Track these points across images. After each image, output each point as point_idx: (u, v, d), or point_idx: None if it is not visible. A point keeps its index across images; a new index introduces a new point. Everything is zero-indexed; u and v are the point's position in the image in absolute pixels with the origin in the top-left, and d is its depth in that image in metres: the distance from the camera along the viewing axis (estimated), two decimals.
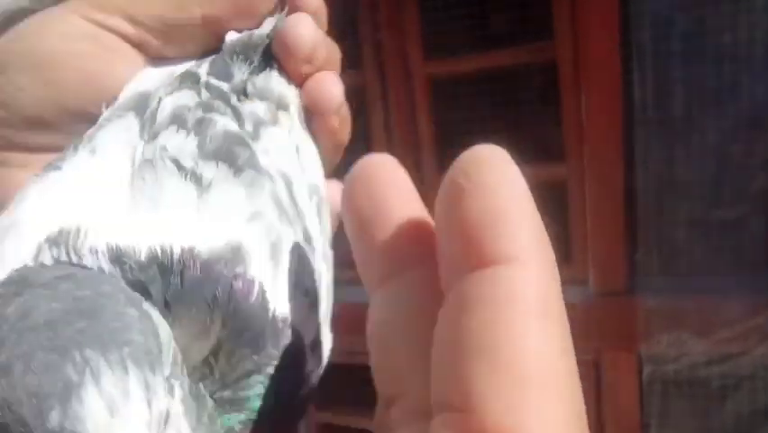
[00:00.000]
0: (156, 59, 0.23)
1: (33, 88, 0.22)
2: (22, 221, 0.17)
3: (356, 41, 1.00)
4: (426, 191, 0.16)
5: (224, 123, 0.20)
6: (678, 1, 0.84)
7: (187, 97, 0.20)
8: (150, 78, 0.22)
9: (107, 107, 0.21)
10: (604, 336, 0.92)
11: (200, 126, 0.19)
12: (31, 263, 0.15)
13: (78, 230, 0.16)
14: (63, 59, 0.22)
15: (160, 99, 0.20)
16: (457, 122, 1.01)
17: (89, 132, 0.20)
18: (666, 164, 0.88)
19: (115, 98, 0.22)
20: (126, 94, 0.22)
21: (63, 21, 0.22)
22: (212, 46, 0.23)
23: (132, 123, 0.20)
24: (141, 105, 0.21)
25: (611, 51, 0.85)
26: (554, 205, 0.98)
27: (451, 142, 1.00)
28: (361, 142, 1.01)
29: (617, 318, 0.91)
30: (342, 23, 1.03)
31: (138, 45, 0.23)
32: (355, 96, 0.98)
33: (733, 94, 0.85)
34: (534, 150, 0.99)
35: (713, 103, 0.86)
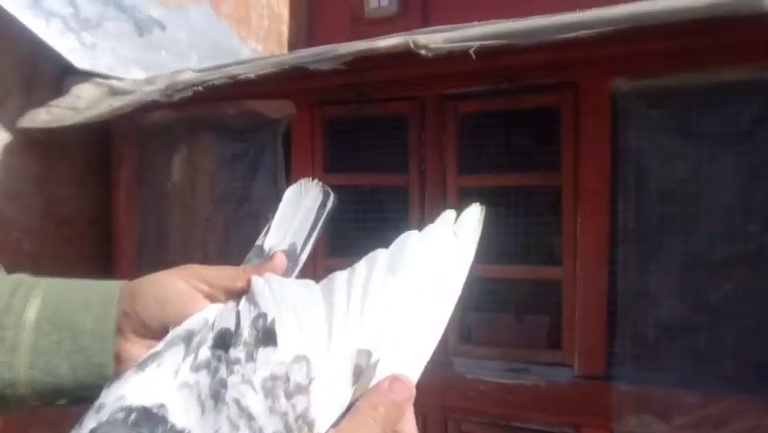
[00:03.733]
0: (215, 301, 0.41)
1: (153, 308, 0.41)
2: (127, 396, 0.32)
3: (405, 153, 1.24)
4: None
5: (222, 372, 0.33)
6: (655, 153, 1.07)
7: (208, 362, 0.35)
8: (209, 311, 0.39)
9: (173, 327, 0.38)
10: (583, 413, 1.08)
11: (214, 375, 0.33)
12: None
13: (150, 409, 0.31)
14: (168, 298, 0.41)
15: (200, 341, 0.36)
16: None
17: (158, 347, 0.36)
18: (641, 276, 1.07)
19: (179, 323, 0.38)
20: (185, 324, 0.38)
21: (172, 280, 0.42)
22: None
23: (180, 350, 0.35)
24: (188, 338, 0.36)
25: (602, 185, 1.07)
26: (551, 299, 1.18)
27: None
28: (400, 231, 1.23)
29: (595, 399, 1.06)
30: (397, 138, 1.29)
31: (208, 296, 0.42)
32: (401, 193, 1.23)
33: (695, 225, 1.05)
34: (537, 253, 1.20)
35: (679, 231, 1.07)
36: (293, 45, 2.16)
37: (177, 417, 0.31)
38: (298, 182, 0.48)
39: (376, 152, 1.32)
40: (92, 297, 0.41)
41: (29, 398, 0.39)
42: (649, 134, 1.07)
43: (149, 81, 1.29)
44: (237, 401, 0.32)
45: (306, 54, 1.09)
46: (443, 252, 0.41)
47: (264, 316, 0.36)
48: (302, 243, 0.46)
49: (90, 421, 0.31)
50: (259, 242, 0.45)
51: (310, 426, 0.32)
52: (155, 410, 0.31)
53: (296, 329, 0.36)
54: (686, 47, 0.99)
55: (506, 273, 1.18)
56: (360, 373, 0.35)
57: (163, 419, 0.31)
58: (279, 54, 1.27)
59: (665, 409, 1.03)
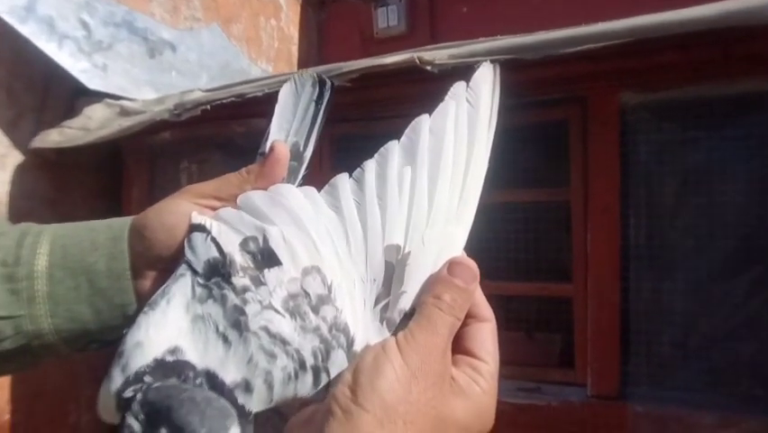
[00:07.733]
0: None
1: (162, 237, 0.37)
2: (144, 342, 0.30)
3: None
4: None
5: (232, 300, 0.31)
6: (666, 168, 1.06)
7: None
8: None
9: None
10: None
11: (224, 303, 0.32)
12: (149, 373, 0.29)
13: (166, 360, 0.30)
14: (177, 223, 0.37)
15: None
16: (489, 240, 1.21)
17: (168, 283, 0.33)
18: (654, 294, 1.05)
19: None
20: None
21: (177, 203, 0.38)
22: None
23: (187, 281, 0.33)
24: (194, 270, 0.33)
25: (613, 200, 1.05)
26: (562, 317, 1.16)
27: (482, 257, 1.20)
28: None
29: (609, 420, 1.03)
30: None
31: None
32: None
33: (710, 241, 1.04)
34: (546, 270, 1.18)
35: (693, 247, 1.04)
36: (303, 65, 2.18)
37: (195, 356, 0.30)
38: (291, 79, 0.45)
39: None
40: (99, 236, 0.39)
41: (58, 346, 0.38)
42: (660, 148, 1.05)
43: (158, 101, 1.30)
44: (266, 329, 0.30)
45: (313, 72, 1.10)
46: (460, 127, 0.38)
47: (254, 239, 0.34)
48: (304, 139, 0.43)
49: (116, 373, 0.30)
50: (261, 149, 0.42)
51: (345, 332, 0.31)
52: (168, 359, 0.30)
53: (296, 242, 0.34)
54: (696, 59, 0.97)
55: (516, 290, 1.16)
56: (392, 270, 0.34)
57: (181, 365, 0.30)
58: (288, 73, 1.28)
59: (682, 430, 1.00)
